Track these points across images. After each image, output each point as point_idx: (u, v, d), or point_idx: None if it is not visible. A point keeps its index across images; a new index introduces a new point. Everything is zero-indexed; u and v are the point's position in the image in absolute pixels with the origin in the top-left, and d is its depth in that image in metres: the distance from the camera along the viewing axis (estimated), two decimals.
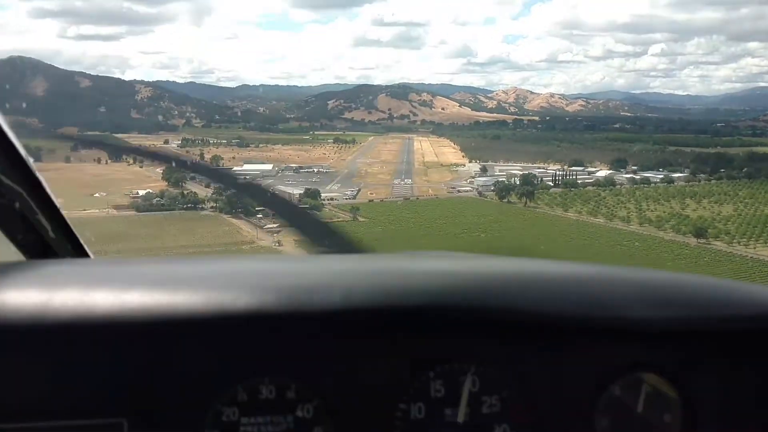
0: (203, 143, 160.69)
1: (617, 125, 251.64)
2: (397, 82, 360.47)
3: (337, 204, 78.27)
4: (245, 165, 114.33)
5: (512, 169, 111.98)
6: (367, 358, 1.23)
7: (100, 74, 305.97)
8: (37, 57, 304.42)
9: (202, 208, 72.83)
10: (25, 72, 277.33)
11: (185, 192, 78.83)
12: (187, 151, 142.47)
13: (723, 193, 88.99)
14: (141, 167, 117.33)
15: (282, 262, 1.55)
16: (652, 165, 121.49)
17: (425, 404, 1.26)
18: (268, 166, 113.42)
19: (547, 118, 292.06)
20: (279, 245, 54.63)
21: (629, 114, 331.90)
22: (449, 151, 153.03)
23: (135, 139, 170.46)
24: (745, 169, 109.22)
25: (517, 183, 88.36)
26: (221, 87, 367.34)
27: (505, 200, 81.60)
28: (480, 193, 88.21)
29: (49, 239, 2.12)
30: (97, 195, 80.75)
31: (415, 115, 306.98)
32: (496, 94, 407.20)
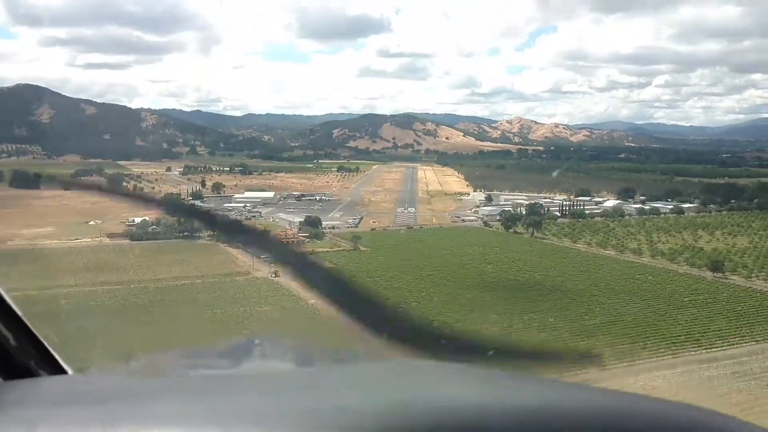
0: (205, 170, 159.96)
1: (622, 155, 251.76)
2: (401, 112, 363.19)
3: (338, 232, 76.03)
4: (246, 192, 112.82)
5: (518, 199, 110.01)
6: None
7: (106, 102, 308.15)
8: (45, 85, 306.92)
9: (199, 237, 70.65)
10: (31, 100, 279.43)
11: (182, 220, 76.85)
12: (189, 179, 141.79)
13: (736, 225, 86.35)
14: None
15: (283, 390, 1.31)
16: (660, 195, 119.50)
17: None
18: (270, 194, 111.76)
19: (552, 147, 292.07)
20: (275, 276, 52.38)
21: (633, 144, 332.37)
22: (453, 180, 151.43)
23: (138, 166, 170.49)
24: (756, 200, 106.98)
25: (524, 213, 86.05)
26: (227, 116, 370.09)
27: (512, 230, 79.22)
28: (485, 223, 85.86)
29: (19, 356, 1.99)
30: (92, 223, 78.69)
31: (419, 144, 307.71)
32: (501, 124, 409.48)
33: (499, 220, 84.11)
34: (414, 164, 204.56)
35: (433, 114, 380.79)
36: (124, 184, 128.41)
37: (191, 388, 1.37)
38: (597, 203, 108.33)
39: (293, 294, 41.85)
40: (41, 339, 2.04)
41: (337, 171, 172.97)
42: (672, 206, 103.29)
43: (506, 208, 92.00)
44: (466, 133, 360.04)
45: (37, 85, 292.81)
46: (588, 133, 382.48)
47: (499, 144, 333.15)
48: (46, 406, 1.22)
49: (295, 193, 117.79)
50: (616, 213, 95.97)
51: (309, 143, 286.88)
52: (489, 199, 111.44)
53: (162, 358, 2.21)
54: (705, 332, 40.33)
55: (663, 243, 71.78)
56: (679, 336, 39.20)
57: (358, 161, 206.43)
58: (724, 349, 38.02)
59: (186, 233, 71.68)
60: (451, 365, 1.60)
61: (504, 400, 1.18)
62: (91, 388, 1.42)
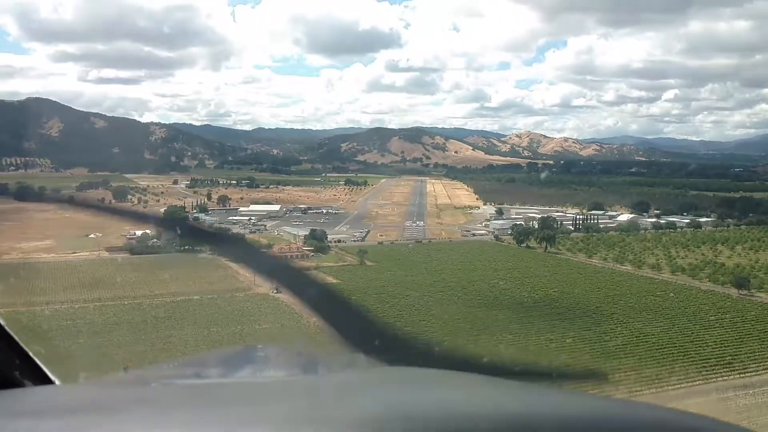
0: (212, 183, 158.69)
1: (633, 169, 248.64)
2: (410, 126, 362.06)
3: (344, 246, 73.64)
4: (252, 205, 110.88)
5: (529, 212, 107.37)
6: None
7: (116, 116, 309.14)
8: (58, 99, 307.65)
9: (200, 251, 68.46)
10: (42, 113, 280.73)
11: (178, 232, 74.46)
12: (195, 191, 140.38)
13: (756, 239, 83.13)
14: (144, 207, 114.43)
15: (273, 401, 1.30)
16: (675, 209, 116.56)
17: None
18: (275, 207, 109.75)
19: (562, 161, 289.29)
20: (276, 292, 49.98)
21: (644, 158, 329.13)
22: (463, 194, 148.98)
23: (145, 179, 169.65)
24: None
25: (536, 226, 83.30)
26: (237, 130, 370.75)
27: (524, 245, 76.50)
28: (496, 237, 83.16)
29: (4, 367, 2.02)
30: (92, 236, 76.77)
31: (428, 158, 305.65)
32: (510, 138, 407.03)
33: (510, 234, 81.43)
34: (423, 178, 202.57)
35: (442, 128, 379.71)
36: (129, 197, 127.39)
37: (178, 398, 1.34)
38: (611, 217, 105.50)
39: (294, 311, 39.42)
40: (27, 351, 2.01)
41: (345, 184, 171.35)
42: (688, 220, 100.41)
43: (518, 222, 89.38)
44: (475, 147, 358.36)
45: (47, 99, 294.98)
46: (598, 147, 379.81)
47: (508, 158, 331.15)
48: (31, 416, 1.20)
49: (301, 206, 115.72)
50: (631, 227, 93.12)
51: (317, 157, 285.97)
52: (499, 213, 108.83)
53: (154, 368, 2.06)
54: (737, 354, 37.39)
55: (682, 258, 68.83)
56: (709, 359, 36.33)
57: (366, 175, 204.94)
58: (759, 374, 35.10)
59: (187, 247, 69.60)
60: (453, 374, 1.58)
61: (506, 408, 1.17)
62: (77, 399, 1.39)
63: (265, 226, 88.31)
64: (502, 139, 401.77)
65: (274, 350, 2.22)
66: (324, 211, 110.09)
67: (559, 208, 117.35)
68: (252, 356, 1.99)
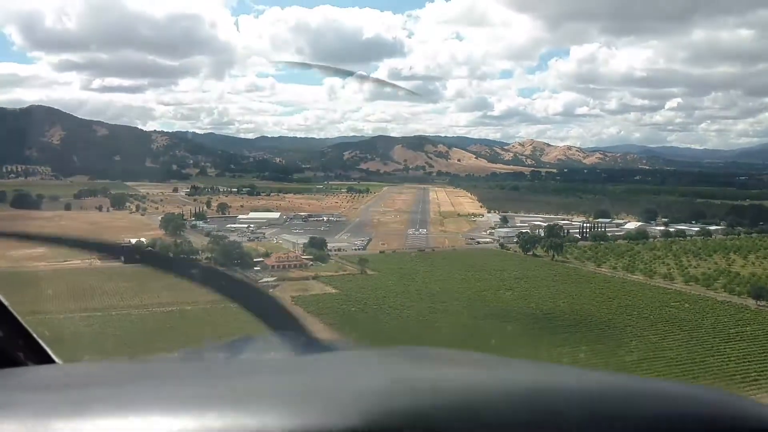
0: (212, 191, 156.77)
1: (637, 177, 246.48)
2: (413, 135, 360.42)
3: (345, 255, 71.39)
4: (251, 213, 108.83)
5: (534, 220, 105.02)
6: None
7: (119, 124, 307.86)
8: (62, 108, 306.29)
9: (196, 259, 66.36)
10: (44, 121, 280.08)
11: (178, 241, 72.87)
12: (195, 199, 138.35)
13: None
14: (142, 215, 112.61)
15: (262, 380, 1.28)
16: (683, 217, 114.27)
17: None
18: (275, 215, 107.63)
19: (565, 170, 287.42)
20: None
21: (648, 167, 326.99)
22: (466, 201, 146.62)
23: (145, 187, 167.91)
24: None
25: (542, 234, 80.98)
26: (241, 138, 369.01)
27: (530, 253, 74.22)
28: (502, 245, 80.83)
29: (7, 346, 2.02)
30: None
31: (431, 166, 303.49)
32: (513, 146, 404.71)
33: (516, 242, 79.15)
34: (425, 186, 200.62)
35: (445, 137, 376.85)
36: (128, 204, 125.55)
37: (178, 373, 1.37)
38: (618, 225, 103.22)
39: None
40: (31, 331, 2.02)
41: (347, 192, 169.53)
42: (698, 228, 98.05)
43: (523, 230, 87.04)
44: (478, 155, 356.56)
45: (49, 107, 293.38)
46: (601, 156, 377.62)
47: (511, 166, 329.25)
48: (33, 393, 1.21)
49: (302, 213, 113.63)
50: (640, 235, 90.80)
51: (320, 165, 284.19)
52: (504, 221, 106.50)
53: (157, 357, 2.11)
54: (763, 371, 35.02)
55: (694, 267, 66.47)
56: (734, 375, 33.97)
57: (368, 183, 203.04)
58: None
59: (182, 256, 67.53)
60: (464, 352, 1.58)
61: (504, 383, 1.19)
62: (79, 376, 1.42)
63: (264, 234, 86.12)
64: (505, 147, 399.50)
65: (274, 337, 2.28)
66: (325, 218, 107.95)
67: (565, 216, 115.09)
68: (252, 342, 2.03)
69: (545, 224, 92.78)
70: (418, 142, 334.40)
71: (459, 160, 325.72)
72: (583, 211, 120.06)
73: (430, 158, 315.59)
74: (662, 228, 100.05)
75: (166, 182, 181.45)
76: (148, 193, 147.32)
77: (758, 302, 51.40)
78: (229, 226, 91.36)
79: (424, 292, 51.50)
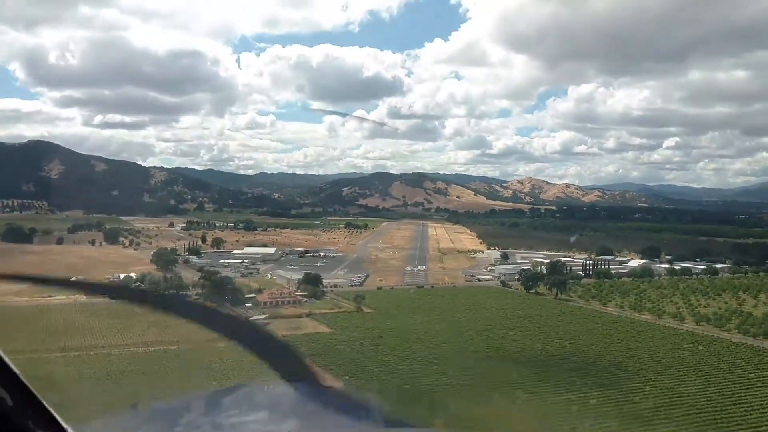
0: (209, 226, 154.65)
1: (637, 215, 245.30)
2: (412, 172, 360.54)
3: (341, 291, 68.78)
4: (246, 248, 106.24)
5: (536, 257, 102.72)
6: None
7: (118, 159, 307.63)
8: (63, 143, 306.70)
9: (186, 295, 63.73)
10: (42, 156, 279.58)
11: (169, 276, 70.31)
12: (190, 234, 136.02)
13: None
14: (135, 249, 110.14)
15: None
16: (687, 255, 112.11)
17: None
18: (271, 250, 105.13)
19: (564, 207, 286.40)
20: None
21: (646, 205, 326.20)
22: (466, 238, 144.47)
23: (141, 222, 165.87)
24: None
25: (545, 272, 78.54)
26: (240, 174, 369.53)
27: (533, 291, 71.73)
28: (503, 283, 78.33)
29: (13, 414, 1.97)
30: (73, 279, 71.91)
31: (429, 202, 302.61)
32: (512, 183, 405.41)
33: (518, 280, 76.71)
34: (424, 222, 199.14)
35: (444, 174, 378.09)
36: (121, 239, 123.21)
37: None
38: (621, 263, 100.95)
39: None
40: (40, 398, 2.01)
41: (345, 227, 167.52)
42: (704, 266, 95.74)
43: (525, 267, 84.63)
44: (477, 192, 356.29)
45: (48, 142, 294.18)
46: (600, 194, 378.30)
47: (510, 203, 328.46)
48: None
49: (298, 249, 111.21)
50: (645, 273, 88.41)
51: (319, 201, 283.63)
52: (505, 257, 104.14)
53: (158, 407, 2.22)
54: None
55: (704, 307, 63.92)
56: (760, 426, 31.21)
57: (367, 218, 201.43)
58: None
59: (172, 291, 64.91)
60: None
61: None
62: None
63: (258, 269, 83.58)
64: (504, 184, 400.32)
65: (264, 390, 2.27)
66: (322, 254, 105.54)
67: (566, 253, 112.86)
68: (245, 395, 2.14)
69: (547, 261, 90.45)
70: (417, 179, 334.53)
71: (458, 197, 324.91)
72: (585, 248, 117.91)
73: (429, 194, 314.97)
74: (667, 266, 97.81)
75: (162, 217, 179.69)
76: (143, 228, 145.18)
77: None
78: (222, 261, 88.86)
79: (423, 331, 48.86)
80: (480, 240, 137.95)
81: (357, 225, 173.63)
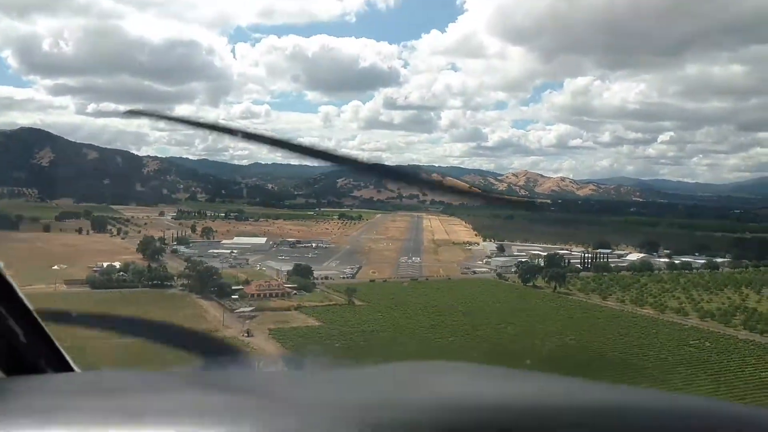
0: (199, 215, 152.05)
1: (632, 209, 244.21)
2: (407, 164, 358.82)
3: (332, 284, 66.41)
4: (236, 238, 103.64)
5: (532, 249, 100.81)
6: None
7: (111, 148, 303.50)
8: (56, 132, 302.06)
9: (171, 286, 61.29)
10: (34, 143, 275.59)
11: (153, 266, 67.60)
12: (180, 223, 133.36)
13: None
14: (123, 238, 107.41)
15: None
16: (686, 249, 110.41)
17: None
18: (261, 240, 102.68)
19: (559, 200, 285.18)
20: (247, 335, 42.79)
21: (641, 199, 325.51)
22: (461, 230, 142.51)
23: (132, 210, 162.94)
24: None
25: (542, 264, 76.42)
26: (234, 164, 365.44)
27: (530, 284, 69.62)
28: (499, 275, 76.20)
29: (25, 351, 2.02)
30: (55, 267, 69.52)
31: (424, 194, 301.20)
32: (507, 176, 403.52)
33: (515, 272, 74.60)
34: (419, 214, 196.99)
35: (439, 167, 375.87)
36: (109, 227, 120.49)
37: (199, 381, 1.39)
38: (620, 256, 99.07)
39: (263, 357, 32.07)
40: (52, 338, 2.05)
41: (339, 219, 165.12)
42: (704, 261, 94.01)
43: (521, 259, 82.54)
44: (472, 185, 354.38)
45: (40, 129, 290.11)
46: (595, 188, 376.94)
47: (505, 196, 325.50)
48: (53, 401, 1.22)
49: (290, 239, 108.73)
50: (644, 267, 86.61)
51: (313, 192, 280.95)
52: (501, 249, 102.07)
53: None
54: None
55: (707, 302, 62.04)
56: None
57: (361, 210, 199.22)
58: None
59: (156, 282, 62.48)
60: (461, 364, 1.50)
61: (517, 396, 1.14)
62: (98, 384, 1.44)
63: (247, 260, 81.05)
64: (499, 178, 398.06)
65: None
66: (314, 245, 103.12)
67: (563, 246, 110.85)
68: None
69: (544, 253, 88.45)
70: (411, 171, 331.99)
71: None
72: (582, 241, 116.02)
73: None
74: (666, 260, 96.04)
75: (154, 206, 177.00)
76: (132, 217, 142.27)
77: None
78: (211, 251, 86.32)
79: (417, 326, 46.63)
80: (475, 232, 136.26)
81: (351, 216, 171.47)
